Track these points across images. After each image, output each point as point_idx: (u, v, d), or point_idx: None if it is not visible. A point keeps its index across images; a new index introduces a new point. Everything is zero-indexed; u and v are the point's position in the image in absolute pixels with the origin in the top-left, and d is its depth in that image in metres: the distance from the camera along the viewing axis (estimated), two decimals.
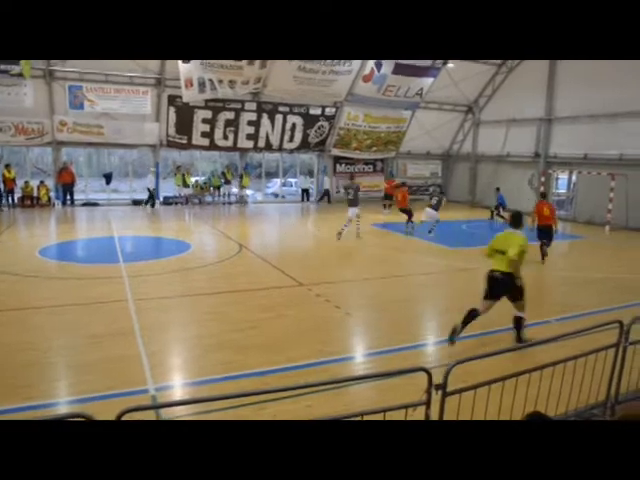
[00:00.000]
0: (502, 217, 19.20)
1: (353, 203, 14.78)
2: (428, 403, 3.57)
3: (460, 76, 23.13)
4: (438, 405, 3.64)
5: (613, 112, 18.52)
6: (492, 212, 19.97)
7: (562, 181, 22.62)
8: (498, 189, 20.34)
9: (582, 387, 4.73)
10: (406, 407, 3.45)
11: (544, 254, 12.18)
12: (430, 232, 15.58)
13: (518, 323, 6.84)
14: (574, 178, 21.42)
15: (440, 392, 3.62)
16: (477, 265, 11.89)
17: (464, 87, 24.05)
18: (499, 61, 23.47)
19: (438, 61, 22.58)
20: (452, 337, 6.56)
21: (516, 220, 6.85)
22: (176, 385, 5.60)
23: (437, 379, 3.61)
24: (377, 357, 6.45)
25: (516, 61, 23.19)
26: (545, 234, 12.20)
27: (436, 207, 15.78)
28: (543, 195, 14.75)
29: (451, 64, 22.64)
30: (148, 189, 21.48)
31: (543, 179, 21.56)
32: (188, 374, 5.89)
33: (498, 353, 4.11)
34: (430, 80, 23.05)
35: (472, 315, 6.70)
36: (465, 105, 25.94)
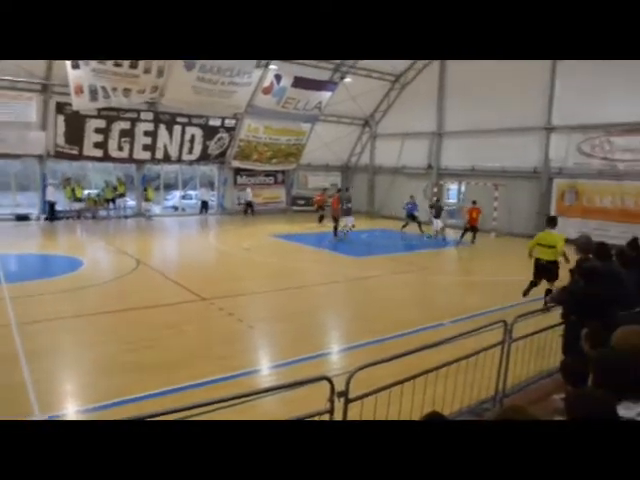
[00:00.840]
0: (404, 225, 19.98)
1: (347, 212, 17.37)
2: (331, 411, 3.61)
3: (357, 91, 24.01)
4: (341, 412, 3.69)
5: (494, 128, 20.22)
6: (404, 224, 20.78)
7: (452, 191, 24.23)
8: (412, 197, 21.27)
9: (474, 384, 5.05)
10: (310, 417, 3.46)
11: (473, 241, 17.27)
12: (444, 239, 18.30)
13: (548, 294, 8.67)
14: (463, 188, 23.04)
15: (342, 399, 3.66)
16: (378, 273, 12.38)
17: (361, 101, 24.99)
18: (393, 77, 24.72)
19: (336, 75, 23.31)
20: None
21: (552, 222, 9.28)
22: (67, 414, 5.17)
23: (340, 386, 3.65)
24: (282, 369, 6.43)
25: (409, 77, 24.56)
26: (473, 231, 17.35)
27: (437, 215, 18.44)
28: (474, 202, 17.72)
29: (348, 79, 23.45)
30: (49, 202, 19.86)
31: (436, 190, 22.97)
32: (81, 400, 5.46)
33: (396, 357, 4.26)
34: (328, 94, 23.69)
35: (532, 285, 9.15)
36: (362, 119, 26.95)
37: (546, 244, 8.84)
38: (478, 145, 21.38)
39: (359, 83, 23.60)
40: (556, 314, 5.57)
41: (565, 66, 17.71)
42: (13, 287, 9.70)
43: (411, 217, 19.80)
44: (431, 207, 19.22)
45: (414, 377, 4.30)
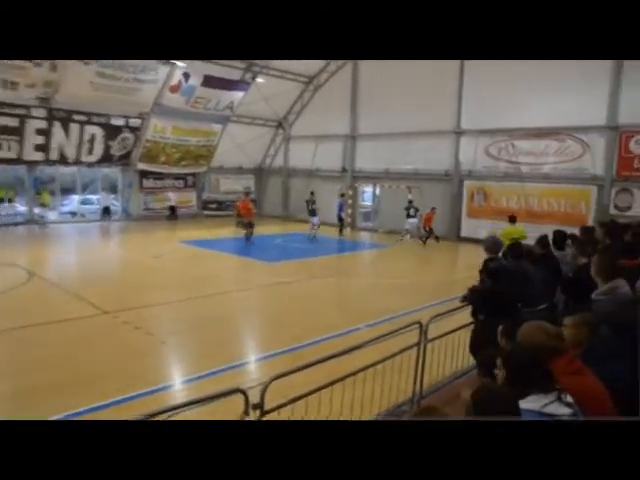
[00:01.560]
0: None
1: (313, 213, 18.72)
2: None
3: (270, 92, 23.70)
4: None
5: (407, 131, 20.79)
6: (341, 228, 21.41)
7: (367, 194, 24.65)
8: (343, 195, 22.04)
9: (392, 387, 4.96)
10: None
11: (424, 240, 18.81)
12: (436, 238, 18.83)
13: None
14: (377, 191, 23.51)
15: (258, 411, 3.50)
16: (294, 278, 12.16)
17: (274, 103, 24.71)
18: (307, 78, 24.71)
19: (248, 75, 22.85)
20: None
21: (514, 219, 11.57)
22: None
23: (256, 398, 3.48)
24: (195, 382, 6.03)
25: (322, 79, 24.67)
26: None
27: (414, 215, 19.01)
28: (433, 208, 18.87)
29: (260, 79, 23.08)
30: None
31: (351, 192, 23.23)
32: None
33: (312, 365, 4.06)
34: (241, 94, 23.16)
35: None
36: (276, 120, 26.69)
37: (519, 237, 9.59)
38: (391, 148, 21.86)
39: (272, 84, 23.30)
40: (468, 313, 5.64)
41: (472, 71, 18.61)
42: None
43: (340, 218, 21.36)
44: (407, 209, 19.53)
45: (332, 383, 4.18)
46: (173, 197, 24.32)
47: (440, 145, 20.20)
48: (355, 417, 4.41)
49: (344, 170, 23.98)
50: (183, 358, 7.06)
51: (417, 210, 19.24)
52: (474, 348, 4.98)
